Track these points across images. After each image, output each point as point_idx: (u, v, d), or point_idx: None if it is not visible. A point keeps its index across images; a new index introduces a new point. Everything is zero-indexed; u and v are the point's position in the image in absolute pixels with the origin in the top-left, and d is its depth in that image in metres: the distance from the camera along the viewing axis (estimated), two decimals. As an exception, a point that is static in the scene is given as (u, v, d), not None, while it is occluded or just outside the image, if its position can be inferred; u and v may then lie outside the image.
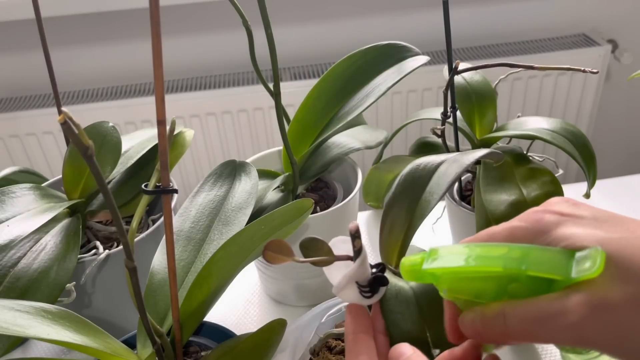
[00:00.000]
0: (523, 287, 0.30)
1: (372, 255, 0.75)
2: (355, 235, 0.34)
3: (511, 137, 0.63)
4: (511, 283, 0.30)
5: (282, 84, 0.61)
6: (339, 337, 0.49)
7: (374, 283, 0.36)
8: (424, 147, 0.71)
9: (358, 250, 0.35)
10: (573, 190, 0.83)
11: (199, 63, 1.34)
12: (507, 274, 0.30)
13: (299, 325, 0.49)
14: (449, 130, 0.62)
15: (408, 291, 0.38)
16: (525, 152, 0.61)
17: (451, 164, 0.42)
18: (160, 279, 0.48)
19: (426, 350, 0.34)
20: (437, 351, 0.35)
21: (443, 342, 0.35)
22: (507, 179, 0.57)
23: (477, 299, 0.32)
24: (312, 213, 0.53)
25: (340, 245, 0.36)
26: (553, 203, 0.32)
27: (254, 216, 0.51)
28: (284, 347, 0.47)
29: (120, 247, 0.58)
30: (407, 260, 0.34)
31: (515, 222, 0.32)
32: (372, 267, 0.37)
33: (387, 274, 0.38)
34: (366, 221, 0.83)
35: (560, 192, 0.54)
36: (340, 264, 0.36)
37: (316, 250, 0.36)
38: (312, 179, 0.65)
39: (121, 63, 1.33)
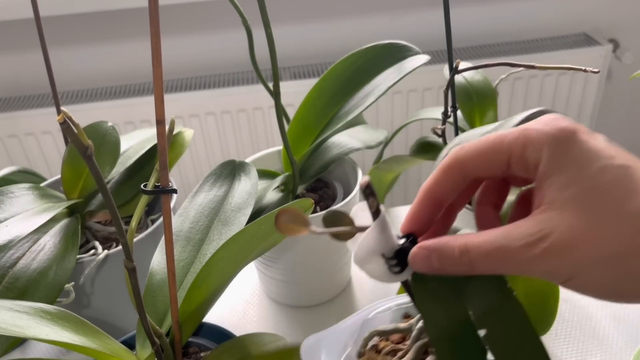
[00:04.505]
0: None
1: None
2: (368, 193, 0.30)
3: (512, 136, 0.63)
4: None
5: (282, 84, 0.60)
6: (389, 338, 0.44)
7: (400, 255, 0.32)
8: (424, 147, 0.71)
9: (375, 212, 0.30)
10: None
11: (198, 62, 1.34)
12: None
13: (336, 331, 0.44)
14: (450, 130, 0.62)
15: None
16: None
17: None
18: (160, 279, 0.48)
19: (470, 332, 0.30)
20: (484, 331, 0.30)
21: (488, 321, 0.31)
22: (508, 179, 0.56)
23: None
24: (312, 213, 0.53)
25: (362, 214, 0.31)
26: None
27: (253, 216, 0.50)
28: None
29: (119, 247, 0.58)
30: None
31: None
32: (400, 238, 0.33)
33: None
34: (366, 221, 0.82)
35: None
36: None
37: (338, 224, 0.31)
38: (312, 179, 0.65)
39: (120, 62, 1.33)
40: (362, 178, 0.30)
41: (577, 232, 0.26)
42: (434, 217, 0.33)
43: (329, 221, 0.31)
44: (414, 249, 0.30)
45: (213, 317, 0.48)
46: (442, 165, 0.31)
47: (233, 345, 0.47)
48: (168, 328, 0.46)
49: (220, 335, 0.49)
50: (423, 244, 0.30)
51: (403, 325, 0.42)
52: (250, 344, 0.47)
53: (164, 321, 0.46)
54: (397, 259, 0.31)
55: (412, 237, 0.32)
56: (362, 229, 0.31)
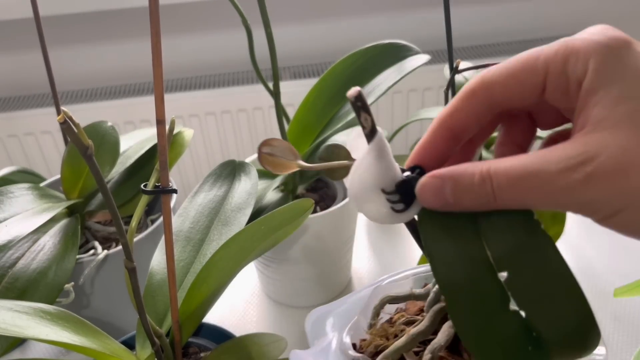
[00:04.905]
0: None
1: (379, 267, 0.74)
2: (359, 106, 0.23)
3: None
4: None
5: (282, 84, 0.60)
6: (406, 309, 0.38)
7: (404, 188, 0.25)
8: (424, 147, 0.71)
9: (370, 133, 0.24)
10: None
11: (198, 62, 1.34)
12: None
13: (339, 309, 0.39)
14: (450, 130, 0.62)
15: None
16: (526, 152, 0.61)
17: None
18: (160, 279, 0.48)
19: (488, 275, 0.24)
20: (506, 275, 0.24)
21: (512, 261, 0.25)
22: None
23: None
24: (312, 213, 0.53)
25: (360, 143, 0.25)
26: None
27: (253, 216, 0.50)
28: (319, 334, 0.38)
29: (119, 247, 0.58)
30: None
31: None
32: (405, 170, 0.27)
33: None
34: (366, 222, 0.83)
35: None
36: None
37: (335, 158, 0.26)
38: (312, 179, 0.65)
39: (120, 62, 1.33)
40: (351, 89, 0.23)
41: (632, 155, 0.21)
42: (448, 153, 0.27)
43: (323, 159, 0.26)
44: (424, 179, 0.25)
45: (213, 317, 0.48)
46: (464, 90, 0.26)
47: (233, 346, 0.47)
48: (168, 328, 0.45)
49: (220, 335, 0.49)
50: (435, 172, 0.25)
51: (419, 290, 0.37)
52: (250, 344, 0.47)
53: (164, 321, 0.46)
54: (400, 194, 0.26)
55: (419, 170, 0.27)
56: None
